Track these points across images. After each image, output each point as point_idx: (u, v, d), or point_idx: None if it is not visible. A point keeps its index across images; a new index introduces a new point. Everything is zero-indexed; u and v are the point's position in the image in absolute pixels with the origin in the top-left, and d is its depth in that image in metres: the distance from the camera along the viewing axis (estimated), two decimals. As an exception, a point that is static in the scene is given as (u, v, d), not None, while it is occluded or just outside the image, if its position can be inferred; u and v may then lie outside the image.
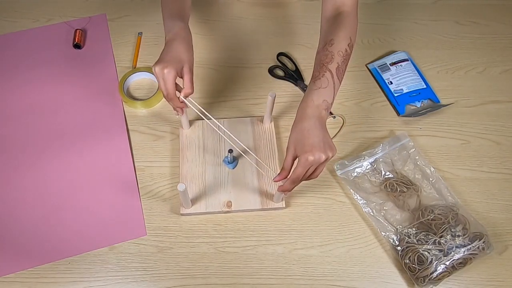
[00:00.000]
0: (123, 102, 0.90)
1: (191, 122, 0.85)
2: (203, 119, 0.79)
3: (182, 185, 0.67)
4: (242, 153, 0.81)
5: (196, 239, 0.75)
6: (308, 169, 0.64)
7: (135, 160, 0.83)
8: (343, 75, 0.71)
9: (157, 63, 0.68)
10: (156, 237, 0.75)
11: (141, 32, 1.01)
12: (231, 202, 0.77)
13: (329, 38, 0.72)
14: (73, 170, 0.81)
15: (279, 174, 0.67)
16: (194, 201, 0.77)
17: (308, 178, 0.67)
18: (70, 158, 0.83)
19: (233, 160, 0.80)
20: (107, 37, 1.01)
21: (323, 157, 0.63)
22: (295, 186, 0.67)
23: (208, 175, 0.80)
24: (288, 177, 0.66)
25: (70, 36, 1.00)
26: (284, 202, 0.77)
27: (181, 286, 0.71)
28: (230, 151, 0.77)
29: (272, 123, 0.86)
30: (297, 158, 0.65)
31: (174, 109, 0.74)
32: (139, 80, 0.94)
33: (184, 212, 0.76)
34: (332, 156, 0.64)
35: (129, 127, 0.87)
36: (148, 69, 0.93)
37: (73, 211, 0.77)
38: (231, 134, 0.77)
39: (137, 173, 0.81)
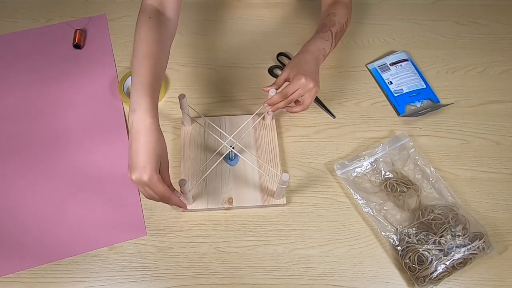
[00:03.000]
0: (123, 102, 0.90)
1: (192, 120, 0.85)
2: (204, 117, 0.80)
3: (184, 181, 0.67)
4: (239, 154, 0.81)
5: (196, 239, 0.75)
6: (296, 91, 0.74)
7: (135, 160, 0.83)
8: (335, 44, 0.85)
9: (131, 170, 0.59)
10: (156, 237, 0.75)
11: (141, 32, 1.01)
12: (232, 198, 0.77)
13: (332, 11, 0.86)
14: (73, 170, 0.81)
15: (270, 85, 0.78)
16: (195, 197, 0.77)
17: (296, 103, 0.78)
18: (69, 158, 0.83)
19: (235, 157, 0.80)
20: (107, 37, 1.01)
21: (312, 85, 0.74)
22: (281, 103, 0.76)
23: (209, 172, 0.80)
24: (279, 90, 0.76)
25: (70, 36, 1.00)
26: (285, 198, 0.77)
27: (181, 286, 0.71)
28: (232, 147, 0.77)
29: (274, 120, 0.86)
30: (290, 79, 0.75)
31: (179, 205, 0.68)
32: (139, 80, 0.94)
33: (185, 209, 0.76)
34: (316, 92, 0.75)
35: (129, 127, 0.87)
36: (148, 69, 0.93)
37: (73, 211, 0.77)
38: (227, 135, 0.78)
39: (137, 173, 0.81)
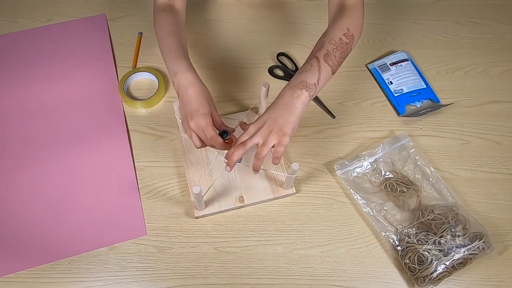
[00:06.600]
0: (123, 102, 0.90)
1: None
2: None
3: (197, 188, 0.67)
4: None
5: (196, 239, 0.75)
6: (253, 141, 0.66)
7: (135, 160, 0.83)
8: (338, 61, 0.73)
9: (190, 119, 0.68)
10: (156, 237, 0.75)
11: (141, 32, 1.01)
12: (243, 197, 0.77)
13: (325, 31, 0.75)
14: (73, 170, 0.81)
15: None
16: (206, 202, 0.76)
17: (257, 156, 0.67)
18: (70, 158, 0.83)
19: None
20: (107, 37, 1.01)
21: (266, 132, 0.66)
22: (239, 154, 0.66)
23: (215, 174, 0.80)
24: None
25: (70, 36, 1.00)
26: (294, 188, 0.78)
27: (181, 286, 0.71)
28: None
29: None
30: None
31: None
32: (139, 80, 0.94)
33: (198, 215, 0.76)
34: (279, 138, 0.66)
35: (129, 127, 0.87)
36: (148, 69, 0.93)
37: (73, 211, 0.77)
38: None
39: (137, 173, 0.81)
